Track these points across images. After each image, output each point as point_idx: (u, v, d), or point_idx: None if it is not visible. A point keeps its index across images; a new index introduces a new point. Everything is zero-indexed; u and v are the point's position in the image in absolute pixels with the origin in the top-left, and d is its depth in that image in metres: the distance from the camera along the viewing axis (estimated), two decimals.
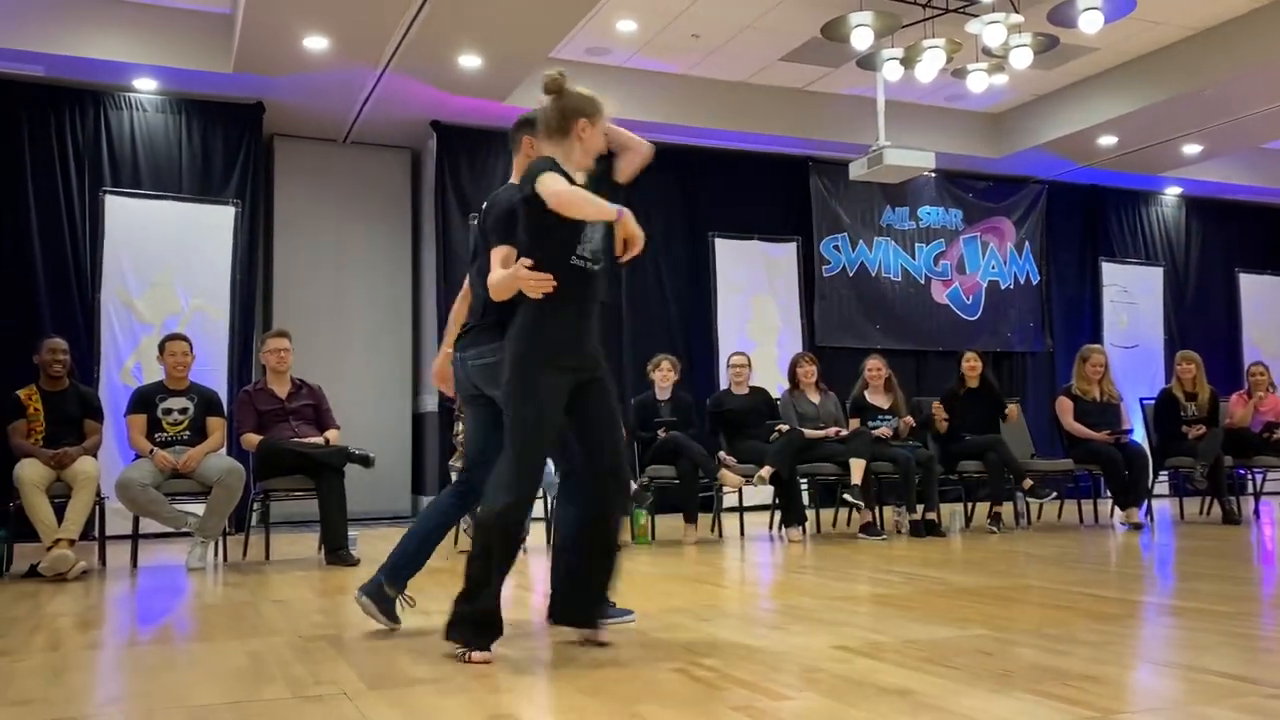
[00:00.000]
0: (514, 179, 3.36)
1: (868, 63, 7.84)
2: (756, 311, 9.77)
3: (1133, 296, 11.31)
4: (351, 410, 6.97)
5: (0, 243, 7.55)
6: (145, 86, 7.92)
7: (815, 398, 7.02)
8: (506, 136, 3.50)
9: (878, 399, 7.02)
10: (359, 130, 9.00)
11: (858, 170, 8.13)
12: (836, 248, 10.11)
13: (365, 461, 5.71)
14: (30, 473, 5.19)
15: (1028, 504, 7.32)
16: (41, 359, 5.63)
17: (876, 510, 6.64)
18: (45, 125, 7.73)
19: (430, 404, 8.95)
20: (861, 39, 7.12)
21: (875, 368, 7.07)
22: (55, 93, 7.76)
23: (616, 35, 8.09)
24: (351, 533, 5.61)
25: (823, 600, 3.86)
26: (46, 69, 7.49)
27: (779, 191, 9.98)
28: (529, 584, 3.50)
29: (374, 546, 6.37)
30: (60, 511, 5.19)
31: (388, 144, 9.37)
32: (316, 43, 7.17)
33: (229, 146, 8.23)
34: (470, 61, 7.54)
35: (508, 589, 4.42)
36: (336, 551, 5.43)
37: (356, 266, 9.29)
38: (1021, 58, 7.20)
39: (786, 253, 9.97)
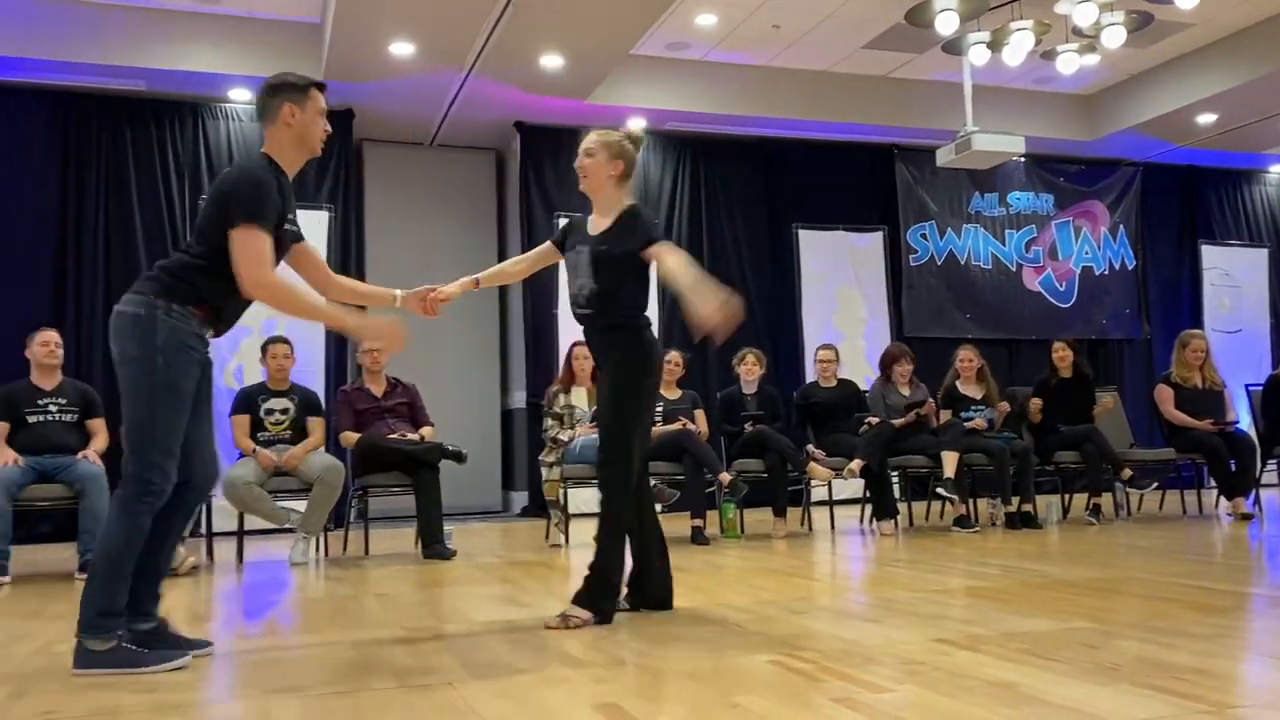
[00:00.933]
0: (268, 149, 3.16)
1: (953, 47, 7.71)
2: (842, 303, 9.68)
3: (1235, 279, 10.91)
4: (443, 408, 7.09)
5: (109, 251, 7.87)
6: (240, 97, 8.17)
7: (906, 390, 6.92)
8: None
9: (970, 390, 6.90)
10: (445, 133, 9.15)
11: (945, 157, 7.99)
12: (924, 236, 9.96)
13: (459, 458, 5.82)
14: None
15: (1127, 495, 7.13)
16: None
17: (970, 503, 6.55)
18: (148, 138, 8.04)
19: (519, 401, 9.07)
20: (947, 23, 7.00)
21: (967, 358, 6.94)
22: (156, 106, 8.05)
23: (696, 30, 8.09)
24: (446, 527, 5.73)
25: (918, 593, 3.82)
26: (147, 83, 7.77)
27: (863, 181, 9.85)
28: None
29: (468, 541, 6.51)
30: None
31: (473, 146, 9.51)
32: (403, 49, 7.31)
33: (321, 153, 8.42)
34: (552, 62, 7.61)
35: None
36: (433, 546, 5.55)
37: (444, 266, 9.33)
38: (1114, 37, 7.01)
39: (872, 242, 9.85)
